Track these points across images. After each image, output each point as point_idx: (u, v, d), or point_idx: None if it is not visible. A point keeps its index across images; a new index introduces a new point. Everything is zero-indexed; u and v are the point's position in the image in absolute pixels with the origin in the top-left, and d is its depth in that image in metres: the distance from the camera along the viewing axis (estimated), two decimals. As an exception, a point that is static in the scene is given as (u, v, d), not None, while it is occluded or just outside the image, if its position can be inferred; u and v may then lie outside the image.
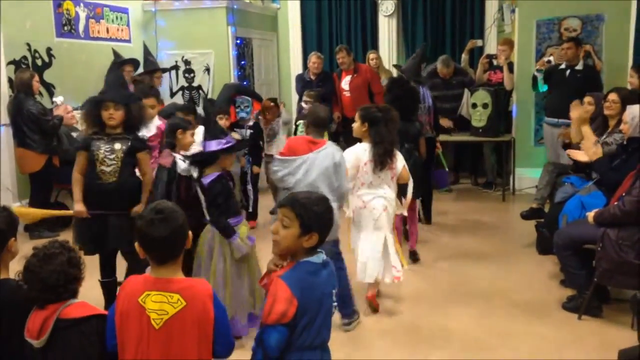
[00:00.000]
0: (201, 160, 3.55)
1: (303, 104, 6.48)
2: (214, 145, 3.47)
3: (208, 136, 3.55)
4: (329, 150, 3.64)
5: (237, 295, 3.50)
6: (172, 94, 8.59)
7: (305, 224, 2.06)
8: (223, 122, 5.39)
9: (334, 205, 3.23)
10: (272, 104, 6.46)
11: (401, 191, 4.14)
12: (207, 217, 3.55)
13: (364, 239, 3.94)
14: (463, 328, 3.79)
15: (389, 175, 3.97)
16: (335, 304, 2.18)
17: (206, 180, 3.47)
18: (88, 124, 3.83)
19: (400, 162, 4.05)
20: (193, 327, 2.04)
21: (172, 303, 2.02)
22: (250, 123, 5.98)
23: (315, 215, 2.08)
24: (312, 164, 3.56)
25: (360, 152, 3.93)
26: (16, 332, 2.08)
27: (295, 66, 9.37)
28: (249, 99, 6.04)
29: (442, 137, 7.28)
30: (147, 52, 7.12)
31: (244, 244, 3.48)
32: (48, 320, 2.02)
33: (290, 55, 9.50)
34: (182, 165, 3.76)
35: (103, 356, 2.08)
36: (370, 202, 3.92)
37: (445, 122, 6.99)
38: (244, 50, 8.78)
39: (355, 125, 3.99)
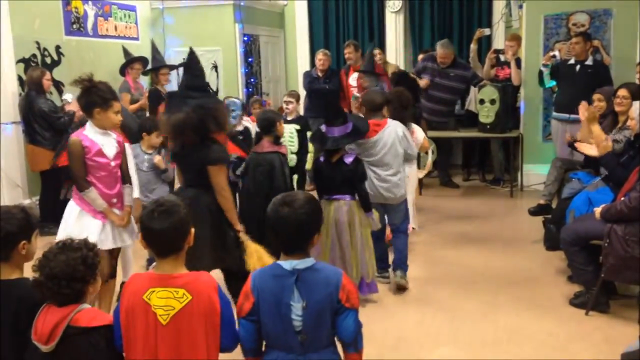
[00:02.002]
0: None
1: (284, 105, 5.94)
2: (337, 132, 3.88)
3: (328, 123, 3.93)
4: (391, 128, 4.23)
5: (362, 259, 3.94)
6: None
7: None
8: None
9: (405, 169, 4.41)
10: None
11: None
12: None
13: None
14: (469, 323, 3.80)
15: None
16: (300, 319, 2.03)
17: (348, 159, 3.90)
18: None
19: (420, 134, 4.92)
20: (200, 321, 2.06)
21: (178, 298, 2.04)
22: (240, 128, 5.33)
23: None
24: (380, 144, 4.17)
25: None
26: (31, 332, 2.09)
27: (303, 63, 9.39)
28: (237, 102, 5.49)
29: (451, 134, 7.32)
30: (155, 49, 7.15)
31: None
32: (59, 326, 2.01)
33: (297, 52, 9.52)
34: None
35: None
36: None
37: (422, 82, 7.08)
38: (251, 47, 8.81)
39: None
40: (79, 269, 2.05)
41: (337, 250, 3.92)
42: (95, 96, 3.39)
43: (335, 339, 2.14)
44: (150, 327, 2.04)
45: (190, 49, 3.65)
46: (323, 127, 3.96)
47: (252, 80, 8.76)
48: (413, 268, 4.75)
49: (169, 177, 4.76)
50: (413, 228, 5.31)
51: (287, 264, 2.07)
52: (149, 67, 6.78)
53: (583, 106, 4.81)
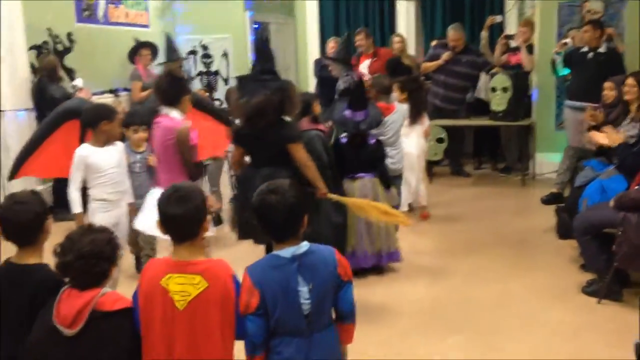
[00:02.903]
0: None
1: None
2: (359, 116, 4.26)
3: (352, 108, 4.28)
4: (399, 112, 5.07)
5: (385, 231, 4.33)
6: (191, 80, 8.64)
7: None
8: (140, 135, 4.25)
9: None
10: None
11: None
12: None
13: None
14: (480, 311, 3.80)
15: (420, 129, 5.47)
16: (308, 302, 2.07)
17: (371, 140, 4.35)
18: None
19: (427, 120, 5.66)
20: (216, 307, 2.07)
21: (194, 284, 2.06)
22: None
23: (253, 207, 2.17)
24: (389, 125, 4.94)
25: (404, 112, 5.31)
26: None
27: (313, 50, 9.35)
28: None
29: (462, 122, 7.29)
30: (169, 40, 7.13)
31: None
32: (84, 310, 2.03)
33: (307, 39, 9.48)
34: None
35: (134, 345, 2.10)
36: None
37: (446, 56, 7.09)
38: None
39: (396, 94, 5.23)
40: (105, 248, 2.09)
41: (364, 224, 4.22)
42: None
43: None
44: (167, 312, 2.06)
45: (263, 36, 3.89)
46: (347, 112, 4.26)
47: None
48: (424, 257, 4.77)
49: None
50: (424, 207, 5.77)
51: (285, 251, 2.09)
52: (165, 59, 6.71)
53: (588, 113, 4.80)
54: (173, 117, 3.63)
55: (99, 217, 3.51)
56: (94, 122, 3.61)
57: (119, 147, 3.76)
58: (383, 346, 3.41)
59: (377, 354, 3.30)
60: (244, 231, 3.65)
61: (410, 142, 5.40)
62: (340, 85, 5.92)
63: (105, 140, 3.64)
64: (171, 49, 6.60)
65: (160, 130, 3.66)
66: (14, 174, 4.05)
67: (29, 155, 4.01)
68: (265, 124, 3.52)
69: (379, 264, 4.39)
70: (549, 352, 3.30)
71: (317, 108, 4.34)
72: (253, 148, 3.69)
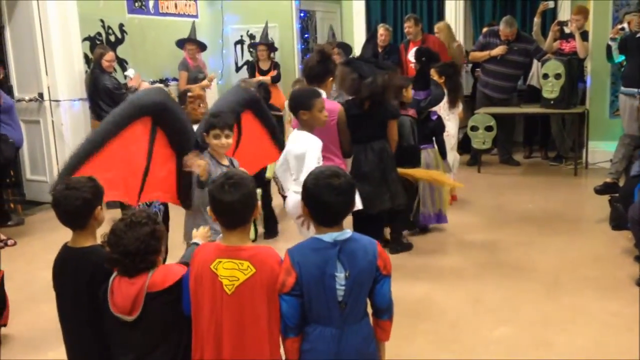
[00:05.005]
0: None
1: None
2: (423, 95, 4.79)
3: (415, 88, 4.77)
4: None
5: (441, 194, 4.87)
6: (238, 69, 8.73)
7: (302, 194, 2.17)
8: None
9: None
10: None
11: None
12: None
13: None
14: (530, 302, 3.73)
15: (456, 112, 5.67)
16: (343, 288, 2.04)
17: (433, 117, 4.87)
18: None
19: (461, 105, 5.80)
20: (262, 293, 2.10)
21: (243, 270, 2.09)
22: None
23: (304, 187, 2.15)
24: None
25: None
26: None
27: (359, 38, 9.27)
28: None
29: (513, 109, 7.12)
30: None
31: None
32: (139, 296, 2.10)
33: (353, 26, 9.40)
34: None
35: (182, 319, 2.17)
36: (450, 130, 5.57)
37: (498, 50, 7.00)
38: (307, 23, 8.78)
39: (434, 79, 5.24)
40: (151, 243, 2.13)
41: (427, 188, 4.83)
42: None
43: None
44: (216, 296, 2.10)
45: (375, 26, 4.17)
46: (412, 92, 4.68)
47: (308, 56, 8.75)
48: (472, 247, 4.71)
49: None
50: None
51: (327, 236, 2.08)
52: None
53: None
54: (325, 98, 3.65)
55: None
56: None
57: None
58: (430, 335, 3.39)
59: (424, 345, 3.29)
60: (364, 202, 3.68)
61: (449, 124, 5.53)
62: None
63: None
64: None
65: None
66: (69, 172, 2.86)
67: (90, 155, 2.96)
68: (379, 100, 3.99)
69: (438, 223, 5.02)
70: (602, 346, 3.21)
71: (408, 94, 4.67)
72: (359, 125, 3.95)
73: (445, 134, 5.12)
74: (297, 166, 3.31)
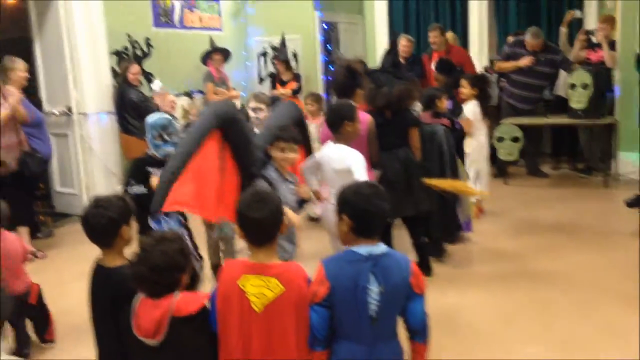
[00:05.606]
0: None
1: (251, 112, 4.47)
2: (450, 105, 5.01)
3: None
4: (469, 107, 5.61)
5: (466, 202, 4.84)
6: (261, 80, 8.77)
7: (338, 206, 2.17)
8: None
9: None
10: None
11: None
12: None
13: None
14: (562, 319, 3.65)
15: (485, 123, 5.65)
16: (376, 302, 2.03)
17: (457, 126, 4.92)
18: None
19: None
20: (291, 311, 2.09)
21: (271, 287, 2.08)
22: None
23: (343, 199, 2.16)
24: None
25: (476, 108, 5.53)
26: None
27: (382, 49, 9.23)
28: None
29: (540, 120, 7.02)
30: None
31: None
32: (163, 319, 2.06)
33: (376, 38, 9.39)
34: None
35: (211, 343, 2.14)
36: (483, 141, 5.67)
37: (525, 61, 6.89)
38: (330, 35, 8.79)
39: (465, 90, 5.42)
40: (178, 259, 2.11)
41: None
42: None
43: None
44: (245, 314, 2.09)
45: (395, 34, 4.46)
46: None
47: (331, 67, 8.77)
48: (501, 258, 4.63)
49: None
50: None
51: (362, 249, 2.08)
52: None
53: None
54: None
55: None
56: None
57: None
58: (455, 350, 3.33)
59: (452, 361, 3.23)
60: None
61: (481, 136, 5.56)
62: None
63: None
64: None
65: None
66: (159, 205, 2.83)
67: (175, 179, 2.87)
68: (397, 109, 4.05)
69: (466, 231, 5.00)
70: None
71: (442, 105, 4.74)
72: (383, 133, 3.99)
73: (476, 144, 5.16)
74: (338, 180, 3.14)
